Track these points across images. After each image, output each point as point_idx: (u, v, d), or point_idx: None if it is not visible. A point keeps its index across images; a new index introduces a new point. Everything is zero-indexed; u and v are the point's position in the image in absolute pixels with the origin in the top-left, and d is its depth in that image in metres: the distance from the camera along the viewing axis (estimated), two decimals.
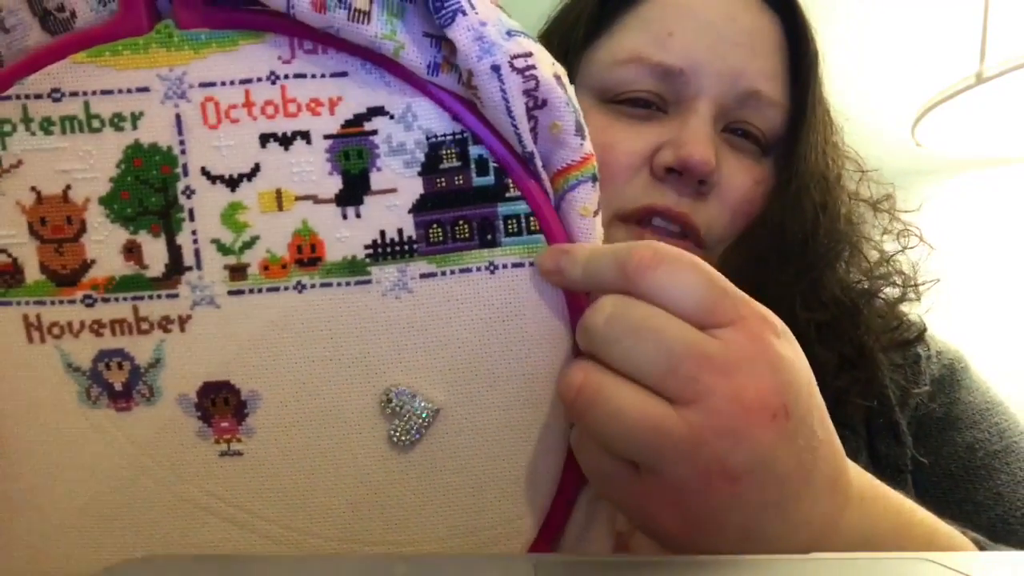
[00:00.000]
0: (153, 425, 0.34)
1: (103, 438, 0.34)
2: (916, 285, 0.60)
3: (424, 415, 0.34)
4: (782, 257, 0.55)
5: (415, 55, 0.32)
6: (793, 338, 0.32)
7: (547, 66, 0.33)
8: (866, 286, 0.58)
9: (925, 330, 0.60)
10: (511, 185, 0.33)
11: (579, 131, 0.34)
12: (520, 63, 0.32)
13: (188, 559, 0.31)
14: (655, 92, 0.56)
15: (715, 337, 0.29)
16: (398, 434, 0.34)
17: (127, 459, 0.34)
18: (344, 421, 0.34)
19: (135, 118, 0.33)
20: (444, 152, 0.33)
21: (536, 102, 0.33)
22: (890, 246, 0.61)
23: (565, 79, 0.34)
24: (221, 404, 0.34)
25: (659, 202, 0.54)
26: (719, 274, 0.31)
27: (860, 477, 0.34)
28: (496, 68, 0.32)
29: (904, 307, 0.60)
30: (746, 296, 0.31)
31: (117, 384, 0.34)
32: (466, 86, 0.33)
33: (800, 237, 0.55)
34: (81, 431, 0.34)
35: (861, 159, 0.63)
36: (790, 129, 0.58)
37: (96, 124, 0.33)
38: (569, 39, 0.59)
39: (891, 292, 0.59)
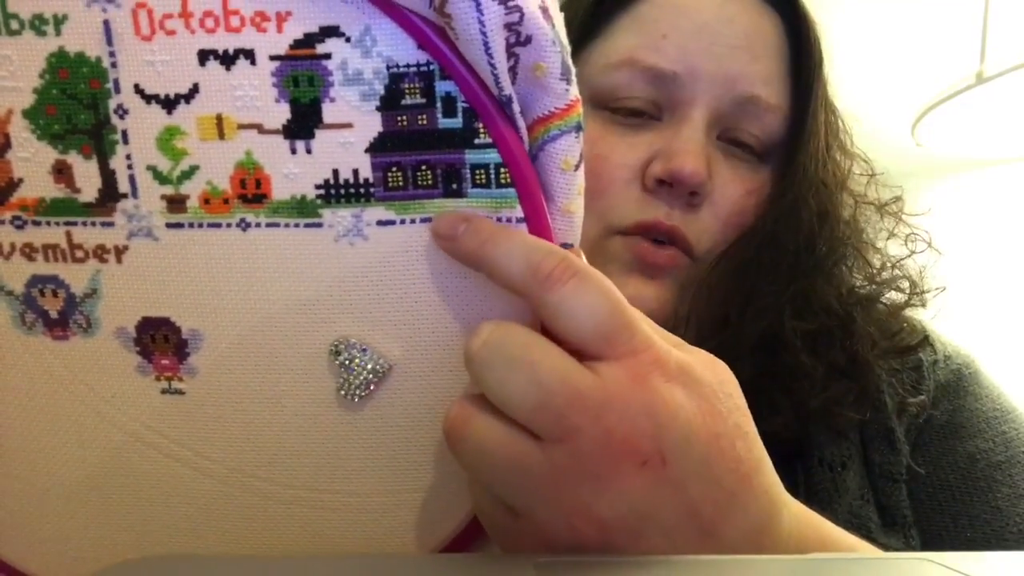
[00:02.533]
0: (91, 357, 0.32)
1: (40, 364, 0.32)
2: (922, 292, 0.56)
3: (375, 370, 0.31)
4: (772, 266, 0.52)
5: None
6: (704, 383, 0.28)
7: None
8: (867, 292, 0.55)
9: (926, 336, 0.57)
10: (482, 130, 0.29)
11: (565, 74, 0.29)
12: None
13: (188, 559, 0.30)
14: (649, 98, 0.53)
15: (595, 372, 0.26)
16: (347, 388, 0.32)
17: (65, 387, 0.33)
18: (291, 368, 0.32)
19: (58, 22, 0.29)
20: (406, 86, 0.29)
21: (519, 38, 0.28)
22: (896, 250, 0.58)
23: (554, 9, 0.29)
24: (161, 341, 0.32)
25: (651, 218, 0.52)
26: (627, 304, 0.28)
27: (797, 528, 0.31)
28: None
29: (908, 312, 0.57)
30: (650, 334, 0.28)
31: (53, 312, 0.32)
32: (438, 12, 0.28)
33: (792, 247, 0.52)
34: (17, 354, 0.32)
35: (870, 161, 0.60)
36: (791, 134, 0.55)
37: (15, 25, 0.29)
38: None
39: (896, 297, 0.57)
